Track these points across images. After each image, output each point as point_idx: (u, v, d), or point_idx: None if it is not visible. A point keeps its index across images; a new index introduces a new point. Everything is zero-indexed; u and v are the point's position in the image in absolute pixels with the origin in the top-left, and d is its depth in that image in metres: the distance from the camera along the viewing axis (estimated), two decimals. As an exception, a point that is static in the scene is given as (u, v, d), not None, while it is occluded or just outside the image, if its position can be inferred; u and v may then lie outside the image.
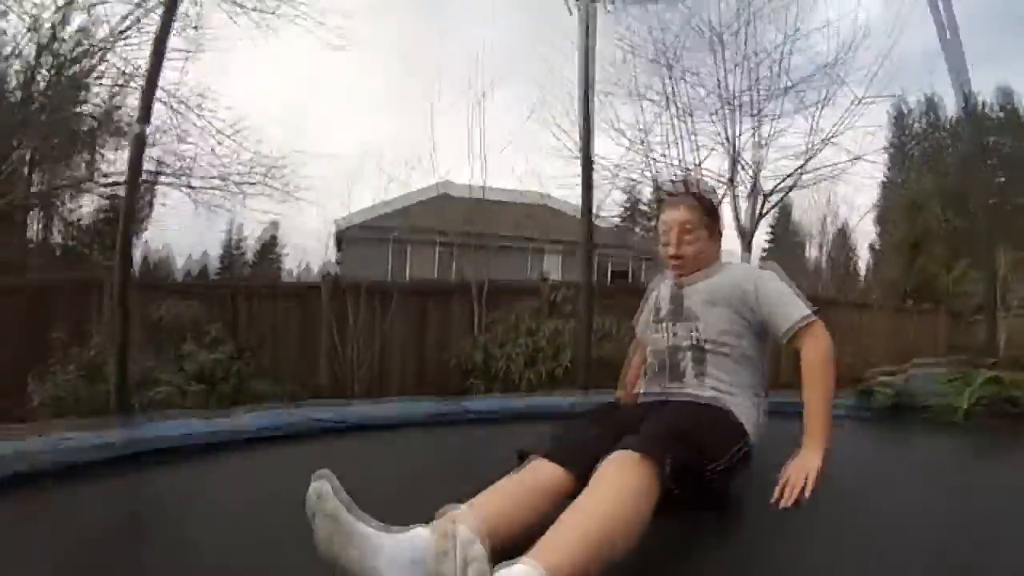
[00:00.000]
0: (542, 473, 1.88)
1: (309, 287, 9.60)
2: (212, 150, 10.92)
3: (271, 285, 9.96)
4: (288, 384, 8.23)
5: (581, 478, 1.76)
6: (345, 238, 18.25)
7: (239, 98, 11.58)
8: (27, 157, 12.22)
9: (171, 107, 10.61)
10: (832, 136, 10.00)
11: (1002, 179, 27.46)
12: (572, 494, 1.71)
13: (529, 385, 7.72)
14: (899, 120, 29.97)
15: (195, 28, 10.66)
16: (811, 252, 24.36)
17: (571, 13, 7.45)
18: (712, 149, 10.16)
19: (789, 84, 9.92)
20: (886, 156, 24.92)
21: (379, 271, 17.11)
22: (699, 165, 9.87)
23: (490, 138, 10.65)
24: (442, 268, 15.34)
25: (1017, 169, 25.55)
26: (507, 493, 1.78)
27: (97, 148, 13.15)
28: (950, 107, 30.83)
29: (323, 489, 1.39)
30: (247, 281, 9.86)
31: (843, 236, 25.21)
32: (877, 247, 27.98)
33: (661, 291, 2.71)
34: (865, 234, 27.22)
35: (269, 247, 32.19)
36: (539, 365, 7.78)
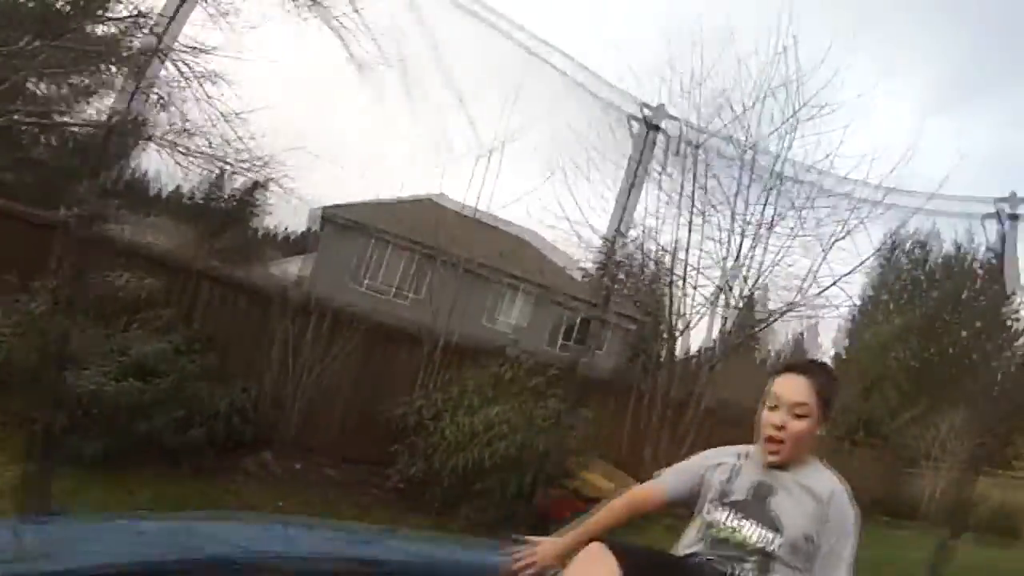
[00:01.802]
0: None
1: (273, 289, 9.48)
2: (213, 124, 10.71)
3: (236, 282, 9.65)
4: (230, 391, 8.03)
5: None
6: (328, 222, 18.20)
7: (254, 78, 11.16)
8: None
9: (180, 71, 10.41)
10: (843, 278, 10.06)
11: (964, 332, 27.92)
12: None
13: (453, 473, 7.63)
14: (888, 242, 30.13)
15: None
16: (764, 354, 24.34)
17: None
18: (714, 256, 10.18)
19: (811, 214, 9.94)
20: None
21: (351, 264, 17.12)
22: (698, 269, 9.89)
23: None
24: (418, 278, 15.31)
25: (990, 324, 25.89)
26: None
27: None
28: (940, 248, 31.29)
29: None
30: (213, 269, 9.44)
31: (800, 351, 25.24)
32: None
33: (739, 469, 2.46)
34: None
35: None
36: (469, 451, 7.65)
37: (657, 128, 8.52)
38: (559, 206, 10.26)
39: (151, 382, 7.37)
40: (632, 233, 10.11)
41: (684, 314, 10.09)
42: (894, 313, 28.62)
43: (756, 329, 10.93)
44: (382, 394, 8.77)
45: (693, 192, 9.79)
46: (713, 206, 9.98)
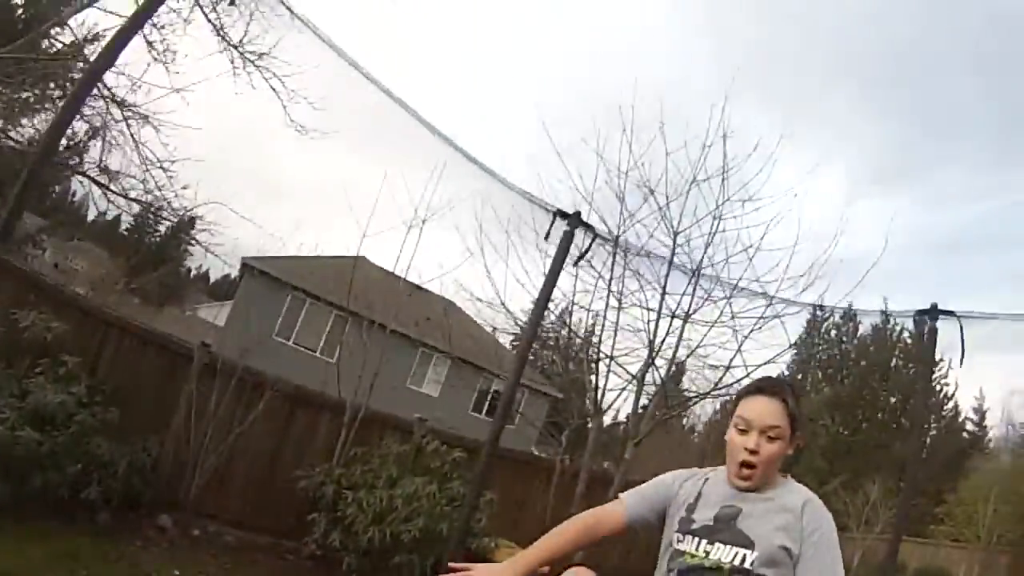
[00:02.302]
0: None
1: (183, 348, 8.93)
2: (146, 170, 10.43)
3: (147, 332, 9.25)
4: (130, 448, 7.56)
5: None
6: (247, 273, 17.89)
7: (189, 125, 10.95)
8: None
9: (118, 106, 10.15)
10: (762, 366, 10.00)
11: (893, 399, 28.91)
12: None
13: (370, 544, 7.35)
14: (812, 320, 31.29)
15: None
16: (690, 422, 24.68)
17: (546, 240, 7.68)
18: (634, 342, 10.16)
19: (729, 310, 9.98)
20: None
21: (271, 319, 16.78)
22: (611, 358, 9.89)
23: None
24: (331, 340, 15.01)
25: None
26: None
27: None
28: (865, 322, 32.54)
29: None
30: (120, 321, 9.01)
31: (722, 422, 25.76)
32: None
33: (703, 493, 2.36)
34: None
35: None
36: (387, 525, 7.39)
37: (580, 222, 8.47)
38: (479, 285, 10.14)
39: (49, 433, 6.92)
40: (553, 312, 10.07)
41: (603, 394, 10.00)
42: (823, 383, 29.42)
43: (672, 414, 10.90)
44: (296, 461, 8.44)
45: (611, 279, 9.84)
46: (633, 292, 10.03)
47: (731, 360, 9.90)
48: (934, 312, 7.64)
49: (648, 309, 9.90)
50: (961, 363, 7.59)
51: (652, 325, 9.86)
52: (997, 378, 52.53)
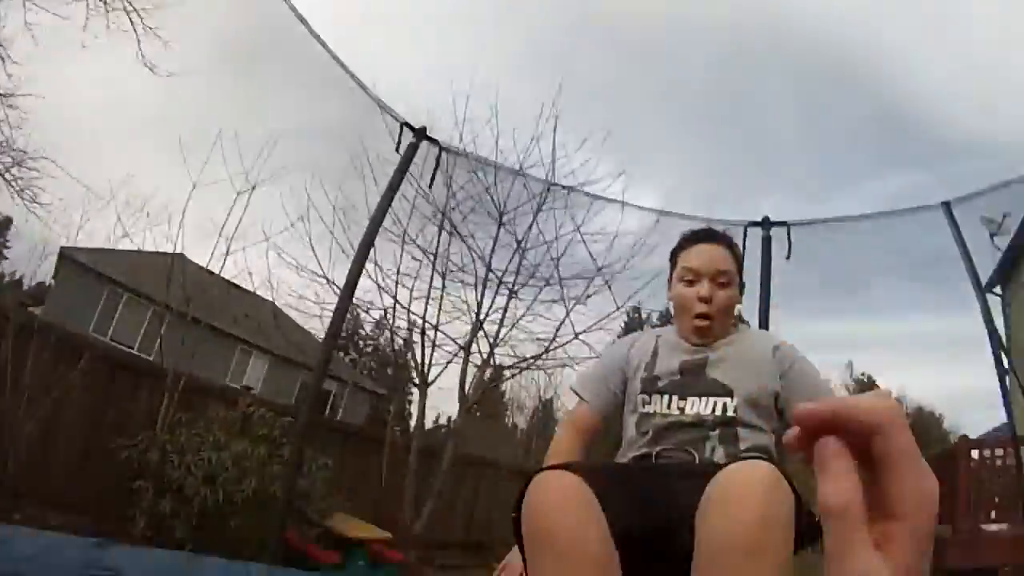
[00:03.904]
0: None
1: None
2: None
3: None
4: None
5: None
6: (64, 262, 16.82)
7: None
8: None
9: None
10: (584, 332, 10.31)
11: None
12: None
13: (203, 504, 7.04)
14: (632, 321, 32.59)
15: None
16: (513, 419, 24.85)
17: (397, 152, 7.47)
18: (458, 316, 10.29)
19: (557, 277, 10.25)
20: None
21: (87, 314, 15.80)
22: (436, 328, 9.99)
23: (246, 222, 10.17)
24: (148, 337, 14.34)
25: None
26: None
27: None
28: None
29: None
30: None
31: (548, 409, 26.19)
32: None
33: (658, 350, 2.20)
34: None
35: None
36: (219, 485, 7.10)
37: (426, 137, 8.26)
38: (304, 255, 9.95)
39: None
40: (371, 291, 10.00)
41: (427, 368, 10.06)
42: None
43: (500, 379, 11.05)
44: (123, 429, 7.86)
45: (436, 252, 9.98)
46: (460, 268, 10.21)
47: (558, 328, 10.29)
48: (766, 224, 7.81)
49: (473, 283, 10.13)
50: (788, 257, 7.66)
51: (476, 298, 10.14)
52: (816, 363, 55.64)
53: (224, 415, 8.03)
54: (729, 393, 2.02)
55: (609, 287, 10.15)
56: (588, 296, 10.30)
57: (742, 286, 2.27)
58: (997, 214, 7.99)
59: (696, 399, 2.03)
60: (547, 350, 10.38)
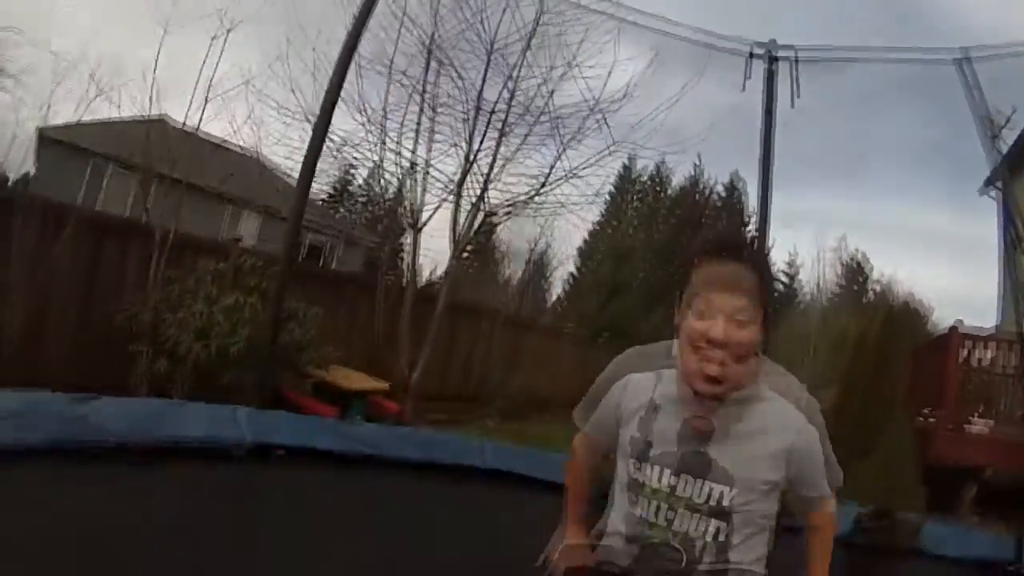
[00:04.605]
0: None
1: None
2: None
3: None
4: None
5: None
6: (44, 143, 16.53)
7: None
8: None
9: None
10: (577, 171, 10.12)
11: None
12: None
13: (198, 360, 7.03)
14: (626, 173, 32.39)
15: None
16: (507, 270, 24.65)
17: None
18: (449, 150, 10.00)
19: (550, 112, 9.90)
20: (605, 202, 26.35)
21: (72, 188, 15.58)
22: (428, 165, 9.75)
23: (220, 74, 9.94)
24: (136, 204, 14.21)
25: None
26: None
27: None
28: (676, 177, 34.32)
29: None
30: None
31: (542, 263, 26.17)
32: (575, 279, 29.94)
33: (656, 403, 1.84)
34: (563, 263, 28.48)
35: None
36: (212, 340, 7.07)
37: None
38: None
39: None
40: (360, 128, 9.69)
41: (419, 209, 9.89)
42: (630, 235, 30.63)
43: (492, 222, 10.88)
44: (117, 293, 7.81)
45: (424, 86, 9.60)
46: (449, 105, 9.85)
47: (552, 166, 10.04)
48: (772, 49, 7.32)
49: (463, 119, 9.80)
50: (793, 104, 7.31)
51: (467, 134, 9.81)
52: (810, 237, 55.22)
53: (215, 267, 7.94)
54: (729, 482, 1.74)
55: (605, 123, 9.85)
56: (582, 137, 10.04)
57: (767, 315, 1.73)
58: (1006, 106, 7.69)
59: (691, 480, 1.76)
60: (542, 185, 10.14)
